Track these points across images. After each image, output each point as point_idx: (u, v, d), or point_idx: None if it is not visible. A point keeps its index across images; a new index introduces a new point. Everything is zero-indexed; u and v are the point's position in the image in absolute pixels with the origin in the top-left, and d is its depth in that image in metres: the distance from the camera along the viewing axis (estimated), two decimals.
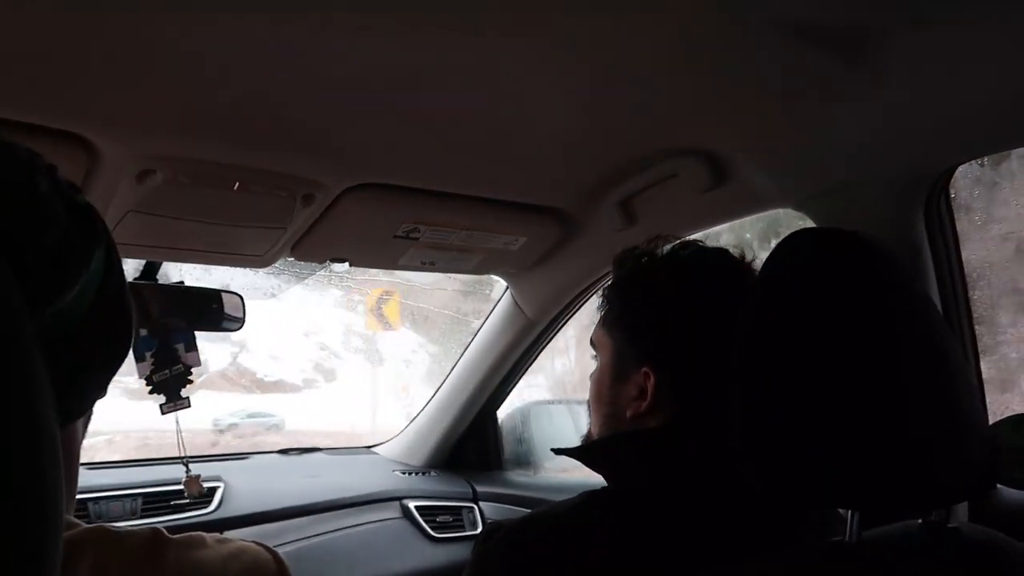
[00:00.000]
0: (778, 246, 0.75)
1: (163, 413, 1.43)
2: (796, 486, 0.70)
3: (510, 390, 1.93)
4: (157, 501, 1.54)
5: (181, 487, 1.59)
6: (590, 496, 0.81)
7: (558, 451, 0.93)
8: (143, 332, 1.35)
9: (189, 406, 1.44)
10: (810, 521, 0.81)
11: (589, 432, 0.93)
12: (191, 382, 1.42)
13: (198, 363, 1.43)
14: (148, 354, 1.39)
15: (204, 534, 0.60)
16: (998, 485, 0.90)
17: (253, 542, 0.65)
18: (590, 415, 0.92)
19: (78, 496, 1.45)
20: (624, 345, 0.87)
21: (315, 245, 1.28)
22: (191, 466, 1.68)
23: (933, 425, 0.68)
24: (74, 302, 0.43)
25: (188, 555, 0.56)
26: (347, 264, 1.39)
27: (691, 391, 0.81)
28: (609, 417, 0.87)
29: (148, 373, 1.39)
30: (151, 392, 1.41)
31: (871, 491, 0.66)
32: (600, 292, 0.94)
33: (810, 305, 0.70)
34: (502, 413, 2.01)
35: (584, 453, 0.88)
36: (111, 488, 1.52)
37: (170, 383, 1.41)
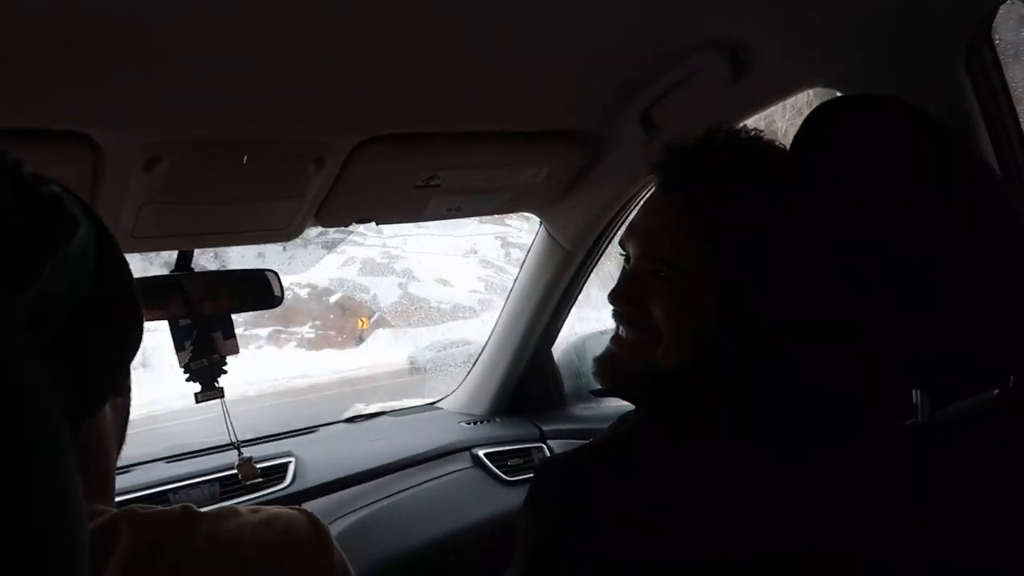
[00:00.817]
0: (809, 118, 0.69)
1: (197, 402, 1.45)
2: (858, 373, 0.66)
3: (560, 326, 1.91)
4: (234, 484, 1.58)
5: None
6: (643, 422, 0.78)
7: (596, 392, 0.89)
8: (184, 322, 1.36)
9: (223, 396, 1.46)
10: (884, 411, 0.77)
11: (627, 368, 0.83)
12: (225, 372, 1.44)
13: (236, 351, 1.45)
14: (187, 343, 1.40)
15: (238, 505, 0.60)
16: None
17: (291, 507, 0.65)
18: (667, 339, 0.80)
19: (159, 488, 1.50)
20: (740, 268, 0.75)
21: (337, 209, 1.26)
22: (257, 449, 1.72)
23: (1003, 288, 0.63)
24: (51, 299, 0.41)
25: (220, 526, 0.56)
26: (374, 223, 1.37)
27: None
28: (713, 345, 0.78)
29: (187, 362, 1.40)
30: (188, 380, 1.43)
31: (940, 365, 0.62)
32: (669, 195, 0.82)
33: (854, 178, 0.65)
34: (557, 350, 2.00)
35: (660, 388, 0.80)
36: (190, 476, 1.56)
37: (206, 372, 1.42)
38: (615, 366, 0.85)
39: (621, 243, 0.88)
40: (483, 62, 1.01)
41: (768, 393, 0.75)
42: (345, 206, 1.26)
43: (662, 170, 0.84)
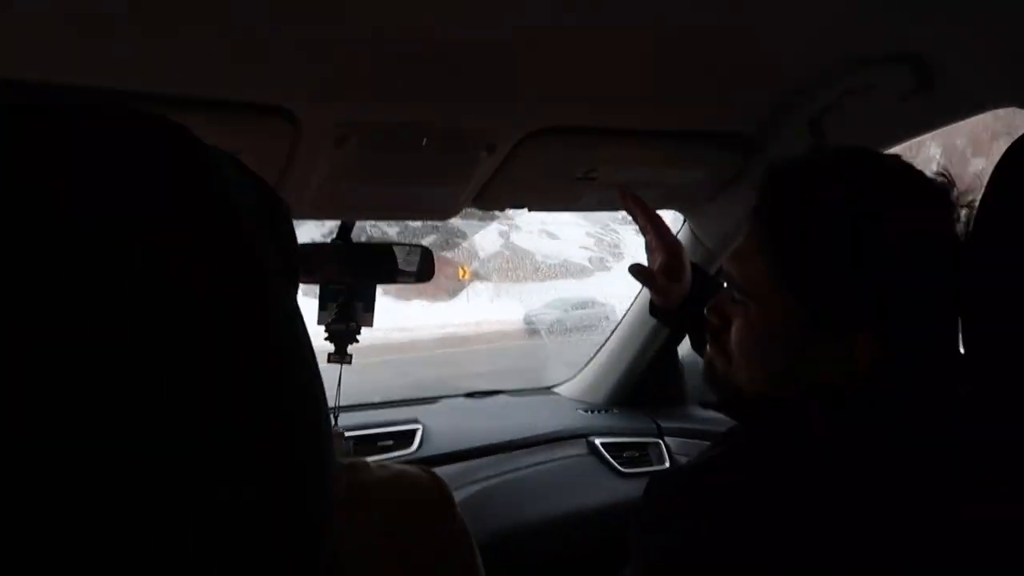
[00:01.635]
0: (1010, 150, 0.67)
1: (328, 362, 1.50)
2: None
3: None
4: (365, 443, 1.67)
5: (382, 431, 1.72)
6: (773, 431, 0.75)
7: (708, 405, 0.89)
8: (334, 285, 1.44)
9: (350, 363, 1.52)
10: None
11: (728, 383, 0.82)
12: (357, 341, 1.50)
13: (370, 324, 1.51)
14: (333, 305, 1.48)
15: (367, 459, 0.62)
16: None
17: (417, 467, 0.66)
18: (735, 363, 0.81)
19: None
20: (822, 304, 0.73)
21: (496, 194, 1.30)
22: (386, 413, 1.81)
23: None
24: None
25: (356, 477, 0.57)
26: (526, 209, 1.41)
27: (916, 353, 0.72)
28: (781, 379, 0.77)
29: (328, 321, 1.48)
30: (325, 339, 1.50)
31: None
32: (756, 221, 0.78)
33: None
34: (683, 348, 1.99)
35: (760, 410, 0.79)
36: None
37: (342, 336, 1.49)
38: (712, 372, 0.85)
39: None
40: (657, 60, 1.02)
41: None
42: (505, 192, 1.30)
43: (758, 191, 0.80)
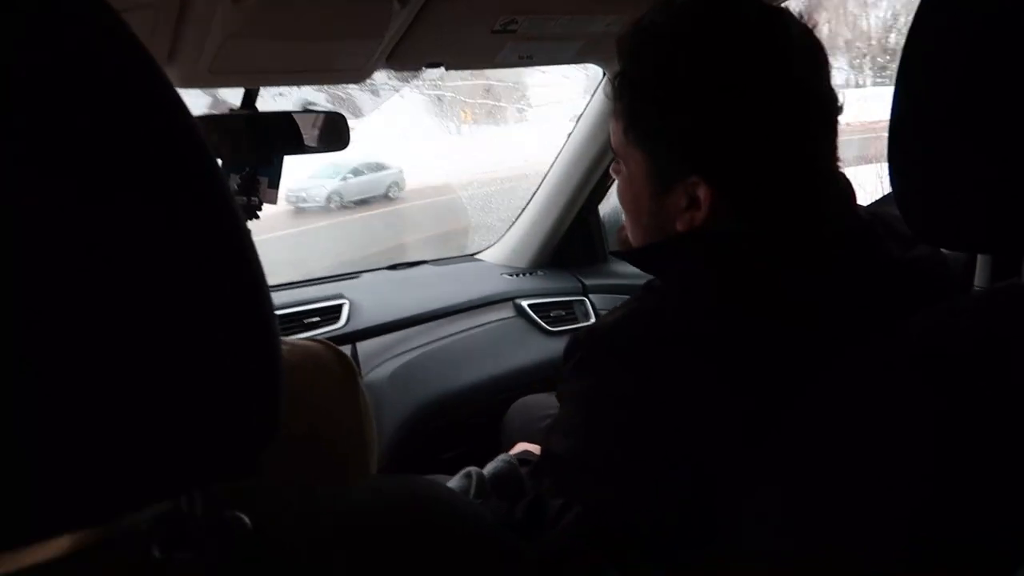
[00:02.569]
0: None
1: None
2: (973, 231, 0.66)
3: (611, 184, 1.90)
4: (291, 321, 1.64)
5: (306, 308, 1.68)
6: (683, 277, 0.77)
7: (614, 253, 0.90)
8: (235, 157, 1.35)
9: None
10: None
11: (625, 236, 0.88)
12: (257, 218, 1.43)
13: (273, 201, 1.44)
14: (235, 176, 1.40)
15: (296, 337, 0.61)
16: None
17: (319, 342, 0.67)
18: (626, 219, 0.86)
19: None
20: (660, 155, 0.77)
21: (410, 51, 1.21)
22: (309, 291, 1.77)
23: None
24: None
25: None
26: (442, 68, 1.33)
27: (753, 197, 0.75)
28: (653, 229, 0.81)
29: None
30: None
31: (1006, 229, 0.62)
32: (609, 84, 0.81)
33: (964, 44, 0.62)
34: (604, 206, 2.00)
35: (644, 256, 0.82)
36: None
37: (243, 211, 1.41)
38: (622, 235, 0.89)
39: None
40: None
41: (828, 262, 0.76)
42: (419, 49, 1.22)
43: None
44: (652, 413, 0.71)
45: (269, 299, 0.37)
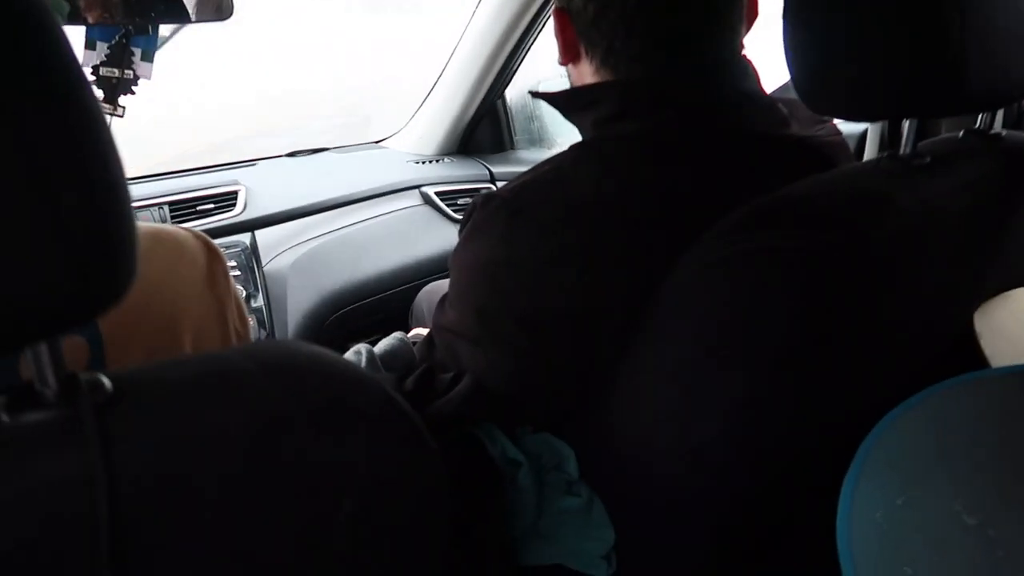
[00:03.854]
0: None
1: None
2: (854, 101, 0.68)
3: (516, 67, 1.85)
4: (184, 208, 1.56)
5: (199, 194, 1.60)
6: (581, 147, 0.77)
7: (536, 94, 0.88)
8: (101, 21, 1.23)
9: (122, 116, 1.35)
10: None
11: None
12: (134, 93, 1.31)
13: (148, 76, 1.33)
14: (105, 45, 1.28)
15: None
16: None
17: (183, 228, 0.64)
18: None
19: None
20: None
21: None
22: (202, 178, 1.68)
23: (995, 23, 0.64)
24: None
25: None
26: None
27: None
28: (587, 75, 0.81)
29: (96, 63, 1.28)
30: (92, 84, 1.31)
31: (932, 96, 0.64)
32: None
33: None
34: (511, 92, 1.95)
35: (564, 99, 0.82)
36: (135, 199, 1.52)
37: (115, 84, 1.30)
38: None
39: None
40: None
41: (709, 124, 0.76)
42: None
43: None
44: (540, 275, 0.71)
45: (115, 152, 0.36)
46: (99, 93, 1.29)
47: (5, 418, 0.37)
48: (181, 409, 0.40)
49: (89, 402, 0.37)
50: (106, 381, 0.39)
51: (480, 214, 0.76)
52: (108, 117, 1.30)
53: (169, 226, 0.64)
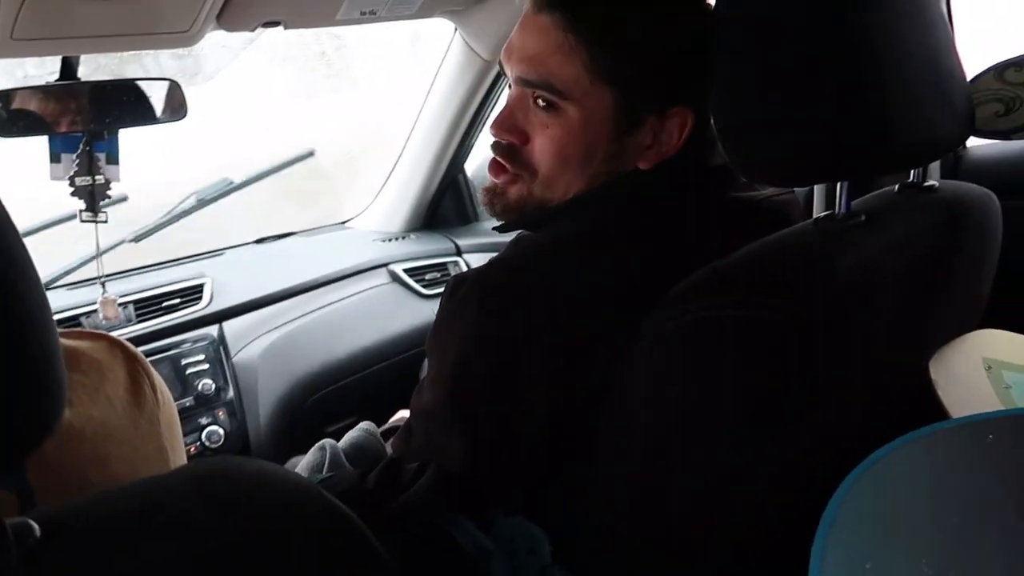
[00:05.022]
0: None
1: (82, 221, 1.35)
2: (786, 168, 0.70)
3: (475, 140, 1.88)
4: (149, 305, 1.55)
5: (164, 290, 1.60)
6: (557, 237, 0.77)
7: (506, 226, 0.85)
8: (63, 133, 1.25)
9: (106, 222, 1.37)
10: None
11: (528, 202, 0.81)
12: (109, 197, 1.34)
13: (117, 179, 1.35)
14: (70, 156, 1.30)
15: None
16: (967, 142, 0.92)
17: (96, 333, 0.62)
18: (545, 176, 0.79)
19: (70, 313, 1.45)
20: (636, 86, 0.74)
21: (242, 8, 1.15)
22: (167, 273, 1.68)
23: (915, 80, 0.67)
24: None
25: None
26: (281, 27, 1.27)
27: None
28: (602, 175, 0.78)
29: (70, 175, 1.30)
30: (72, 195, 1.32)
31: (859, 158, 0.67)
32: (550, 15, 0.74)
33: None
34: (471, 165, 1.98)
35: (569, 211, 0.78)
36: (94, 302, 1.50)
37: (92, 191, 1.32)
38: (503, 200, 0.82)
39: (501, 65, 0.81)
40: None
41: (682, 199, 0.78)
42: (252, 5, 1.16)
43: None
44: (509, 355, 0.72)
45: (39, 297, 0.35)
46: (80, 203, 1.31)
47: None
48: (115, 546, 0.39)
49: (15, 551, 0.36)
50: (35, 526, 0.38)
51: (453, 296, 0.77)
52: (93, 225, 1.33)
53: (85, 344, 0.61)
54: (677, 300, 0.66)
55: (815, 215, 0.85)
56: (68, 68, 1.23)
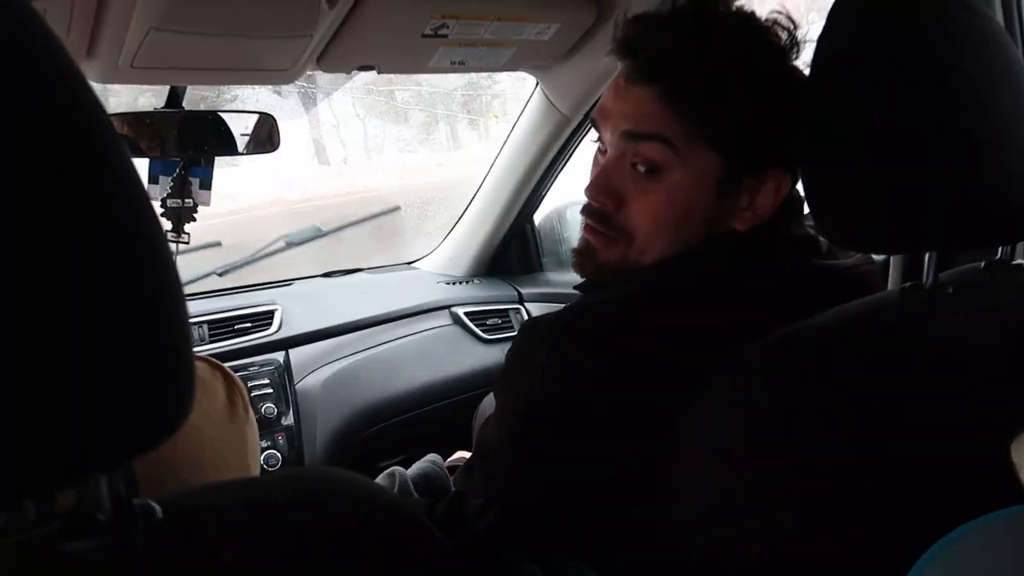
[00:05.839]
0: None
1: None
2: (877, 235, 0.69)
3: (546, 192, 1.92)
4: (222, 327, 1.61)
5: (237, 314, 1.65)
6: (638, 289, 0.76)
7: (593, 282, 0.83)
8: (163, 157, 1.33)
9: (188, 243, 1.43)
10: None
11: (621, 264, 0.80)
12: (195, 220, 1.41)
13: (207, 203, 1.42)
14: (168, 179, 1.37)
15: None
16: None
17: (200, 359, 0.66)
18: (642, 240, 0.78)
19: None
20: (739, 150, 0.74)
21: (342, 52, 1.22)
22: (241, 298, 1.74)
23: (1010, 154, 0.66)
24: None
25: None
26: (374, 72, 1.34)
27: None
28: (697, 237, 0.77)
29: (164, 196, 1.37)
30: (162, 215, 1.39)
31: (954, 229, 0.66)
32: (652, 80, 0.73)
33: (870, 55, 0.65)
34: (539, 216, 2.02)
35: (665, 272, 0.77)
36: None
37: (179, 214, 1.40)
38: (595, 261, 0.81)
39: (594, 124, 0.81)
40: None
41: (770, 268, 0.78)
42: (350, 50, 1.22)
43: (632, 51, 0.75)
44: (575, 403, 0.72)
45: (179, 290, 0.38)
46: (167, 224, 1.38)
47: (62, 544, 0.38)
48: (228, 530, 0.41)
49: (142, 528, 0.39)
50: (157, 507, 0.40)
51: (527, 337, 0.78)
52: (173, 246, 1.40)
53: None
54: (753, 358, 0.65)
55: (890, 285, 0.83)
56: (174, 97, 1.32)
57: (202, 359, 0.67)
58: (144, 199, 0.37)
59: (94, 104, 0.35)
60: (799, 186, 0.80)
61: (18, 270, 0.31)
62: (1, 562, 0.39)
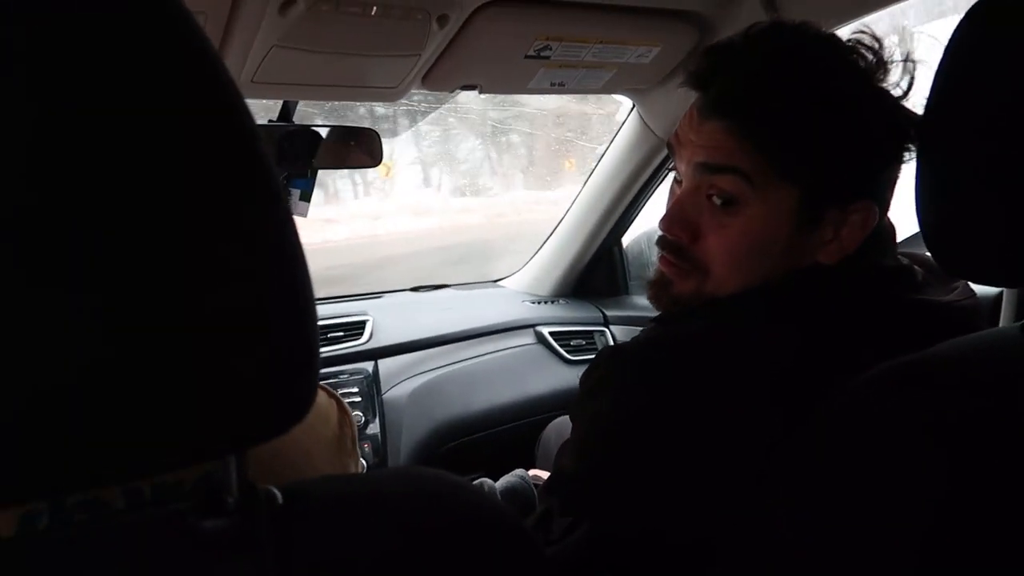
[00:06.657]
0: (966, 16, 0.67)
1: None
2: (994, 264, 0.66)
3: (636, 215, 1.91)
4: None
5: (330, 322, 1.70)
6: (723, 321, 0.74)
7: (674, 313, 0.80)
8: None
9: None
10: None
11: (696, 296, 0.78)
12: None
13: (304, 215, 1.47)
14: None
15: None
16: None
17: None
18: (718, 274, 0.76)
19: None
20: (820, 182, 0.71)
21: (446, 71, 1.25)
22: (334, 307, 1.80)
23: None
24: None
25: None
26: (476, 91, 1.37)
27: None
28: (780, 269, 0.75)
29: None
30: None
31: None
32: (733, 113, 0.71)
33: (1000, 74, 0.62)
34: (627, 238, 2.01)
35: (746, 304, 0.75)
36: None
37: None
38: (669, 292, 0.79)
39: (670, 150, 0.79)
40: None
41: (859, 302, 0.74)
42: (455, 70, 1.25)
43: (703, 84, 0.73)
44: (656, 434, 0.71)
45: (309, 285, 0.39)
46: None
47: (191, 518, 0.40)
48: (347, 517, 0.43)
49: (266, 512, 0.41)
50: (278, 494, 0.42)
51: (604, 367, 0.77)
52: None
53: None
54: (869, 390, 0.63)
55: (1003, 321, 0.79)
56: (286, 111, 1.38)
57: (320, 387, 0.69)
58: (287, 206, 0.39)
59: (248, 114, 0.38)
60: (891, 214, 0.78)
61: (200, 265, 0.34)
62: (141, 535, 0.41)
